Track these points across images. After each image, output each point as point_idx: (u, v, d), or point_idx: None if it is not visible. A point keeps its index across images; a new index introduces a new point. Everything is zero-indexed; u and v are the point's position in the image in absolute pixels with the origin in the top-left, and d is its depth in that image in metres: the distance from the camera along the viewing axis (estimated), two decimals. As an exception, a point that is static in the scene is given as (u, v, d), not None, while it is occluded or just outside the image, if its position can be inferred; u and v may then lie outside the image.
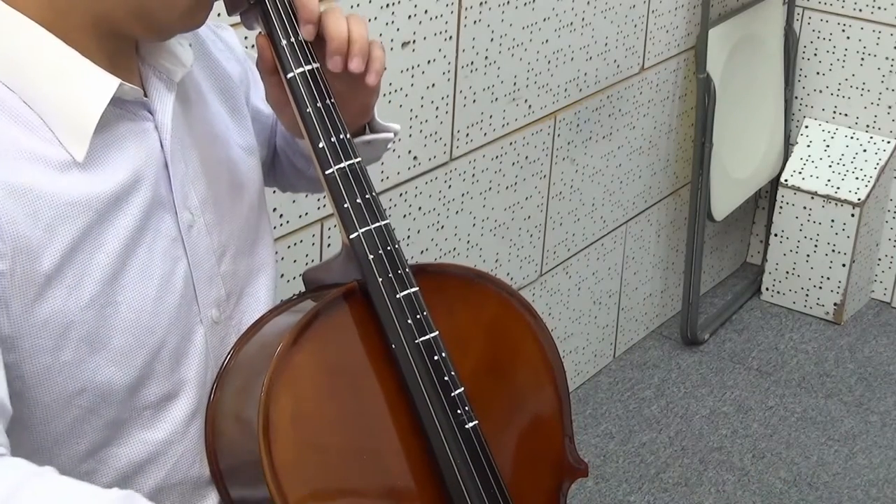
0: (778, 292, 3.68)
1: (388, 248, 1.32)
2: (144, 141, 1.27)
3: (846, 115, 3.62)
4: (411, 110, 2.43)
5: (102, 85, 1.22)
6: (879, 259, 3.71)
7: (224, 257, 1.36)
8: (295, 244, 2.24)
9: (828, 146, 3.61)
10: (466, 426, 1.33)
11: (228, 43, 1.48)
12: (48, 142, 1.19)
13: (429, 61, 2.43)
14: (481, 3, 2.52)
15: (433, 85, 2.46)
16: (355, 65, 1.32)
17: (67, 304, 1.19)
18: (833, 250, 3.56)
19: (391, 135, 1.45)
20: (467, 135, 2.60)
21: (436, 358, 1.32)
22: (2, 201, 1.14)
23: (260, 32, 1.33)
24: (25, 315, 1.17)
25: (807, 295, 3.63)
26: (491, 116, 2.65)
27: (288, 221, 2.21)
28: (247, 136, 1.45)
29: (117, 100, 1.23)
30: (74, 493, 1.07)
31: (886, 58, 3.51)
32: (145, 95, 1.29)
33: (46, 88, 1.19)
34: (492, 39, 2.58)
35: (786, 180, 3.59)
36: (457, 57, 2.50)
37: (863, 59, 3.54)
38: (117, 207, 1.23)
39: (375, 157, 1.54)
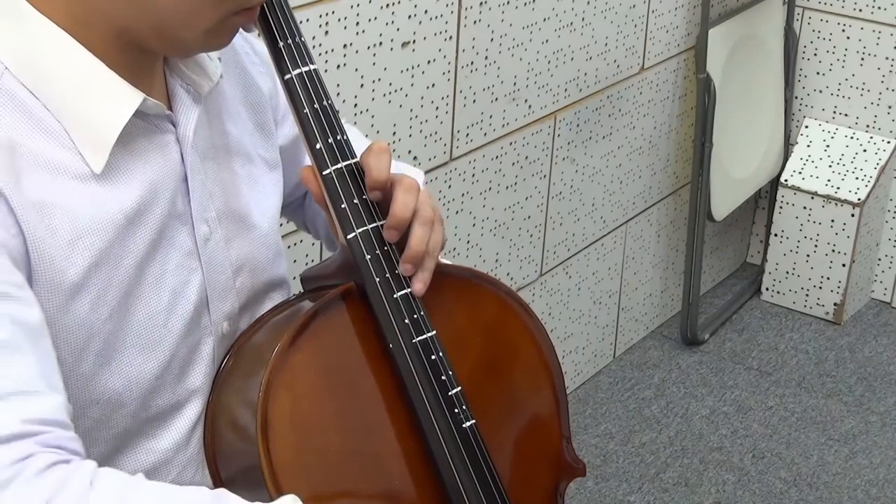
0: (778, 292, 3.68)
1: (386, 248, 1.32)
2: (164, 153, 1.26)
3: (846, 115, 3.62)
4: (411, 110, 2.43)
5: (126, 99, 1.21)
6: (879, 259, 3.71)
7: (241, 271, 1.36)
8: (295, 244, 2.25)
9: (828, 146, 3.61)
10: (463, 425, 1.33)
11: (262, 56, 1.47)
12: (68, 151, 1.19)
13: (429, 61, 2.44)
14: (481, 3, 2.52)
15: (433, 85, 2.47)
16: (404, 270, 1.32)
17: (91, 316, 1.20)
18: (833, 250, 3.56)
19: None
20: (467, 135, 2.60)
21: (433, 357, 1.32)
22: (25, 216, 1.14)
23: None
24: (51, 325, 1.17)
25: (807, 295, 3.63)
26: (491, 116, 2.65)
27: (288, 221, 2.21)
28: (271, 151, 1.44)
29: (140, 112, 1.23)
30: (174, 497, 1.11)
31: (886, 58, 3.51)
32: (170, 108, 1.28)
33: (69, 97, 1.19)
34: (492, 39, 2.59)
35: (786, 180, 3.60)
36: (457, 57, 2.51)
37: (863, 59, 3.54)
38: (135, 221, 1.23)
39: None
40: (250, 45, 1.46)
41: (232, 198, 1.35)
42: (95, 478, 1.07)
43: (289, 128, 1.50)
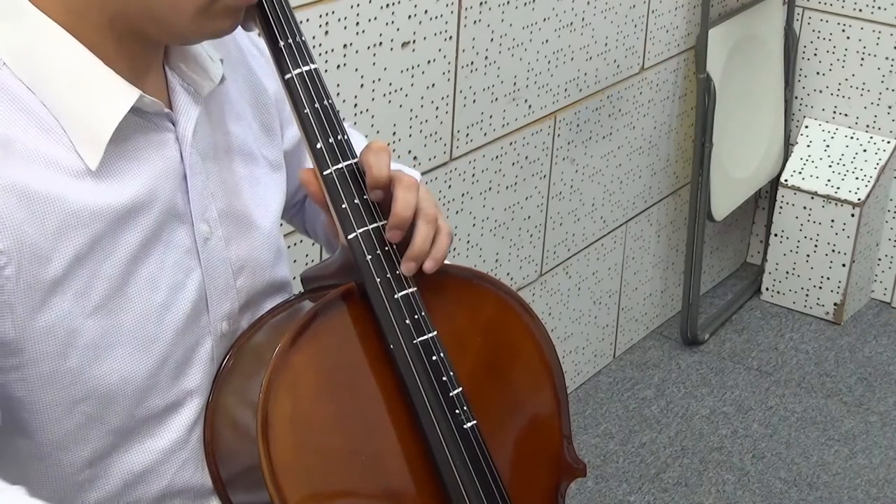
0: (778, 292, 3.68)
1: (386, 248, 1.32)
2: (163, 152, 1.26)
3: (846, 115, 3.62)
4: (411, 110, 2.43)
5: (122, 95, 1.21)
6: (879, 259, 3.71)
7: (242, 272, 1.36)
8: (295, 244, 2.25)
9: (828, 146, 3.61)
10: (465, 426, 1.33)
11: (268, 58, 1.47)
12: (64, 147, 1.18)
13: (429, 61, 2.44)
14: (481, 3, 2.52)
15: (433, 85, 2.47)
16: (406, 269, 1.32)
17: (73, 310, 1.19)
18: (833, 250, 3.56)
19: None
20: (467, 135, 2.60)
21: (434, 358, 1.32)
22: (11, 206, 1.14)
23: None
24: (31, 320, 1.17)
25: (807, 295, 3.63)
26: (491, 116, 2.65)
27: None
28: (275, 151, 1.44)
29: (138, 110, 1.22)
30: None
31: (886, 58, 3.51)
32: (170, 106, 1.28)
33: (66, 94, 1.19)
34: (492, 39, 2.59)
35: (786, 180, 3.59)
36: (457, 57, 2.51)
37: (863, 59, 3.54)
38: (130, 219, 1.22)
39: None
40: (256, 48, 1.46)
41: (234, 198, 1.35)
42: None
43: (292, 132, 1.50)
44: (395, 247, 1.32)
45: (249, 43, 1.45)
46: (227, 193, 1.34)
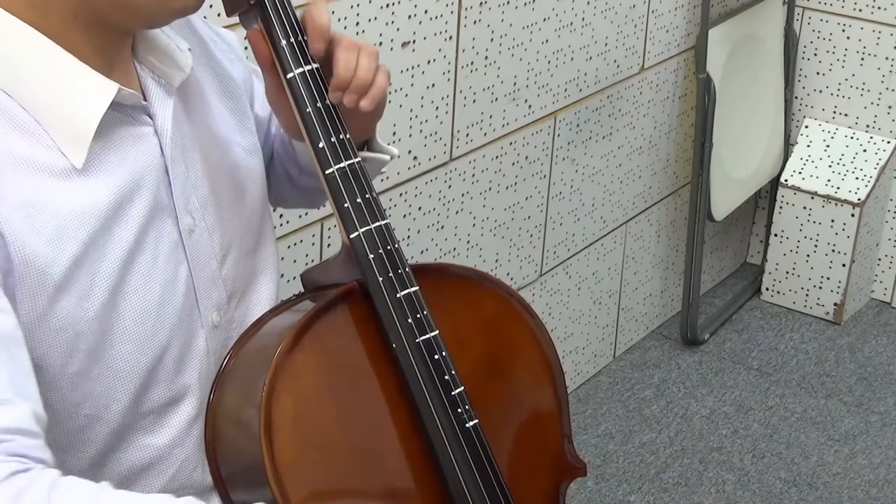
0: (778, 292, 3.68)
1: (389, 247, 1.32)
2: (144, 145, 1.26)
3: (846, 115, 3.62)
4: (411, 110, 2.43)
5: (101, 90, 1.20)
6: (879, 259, 3.71)
7: (226, 260, 1.36)
8: (295, 244, 2.25)
9: (828, 146, 3.61)
10: (467, 425, 1.33)
11: (231, 44, 1.48)
12: (47, 148, 1.18)
13: (429, 61, 2.44)
14: (481, 3, 2.52)
15: (433, 85, 2.47)
16: (349, 100, 1.33)
17: (78, 313, 1.19)
18: (833, 250, 3.56)
19: (386, 157, 1.45)
20: (467, 135, 2.60)
21: (436, 357, 1.32)
22: (7, 218, 1.14)
23: (253, 28, 1.33)
24: (37, 327, 1.17)
25: (807, 295, 3.63)
26: (491, 116, 2.65)
27: (288, 221, 2.21)
28: (249, 137, 1.44)
29: (116, 104, 1.22)
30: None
31: (886, 58, 3.51)
32: (144, 100, 1.28)
33: (44, 94, 1.18)
34: (492, 39, 2.59)
35: (786, 180, 3.59)
36: (457, 57, 2.50)
37: (863, 59, 3.54)
38: (119, 214, 1.22)
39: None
40: (217, 34, 1.46)
41: (215, 187, 1.35)
42: (56, 486, 1.06)
43: (260, 109, 1.50)
44: (397, 246, 1.33)
45: (211, 32, 1.45)
46: (207, 182, 1.34)
